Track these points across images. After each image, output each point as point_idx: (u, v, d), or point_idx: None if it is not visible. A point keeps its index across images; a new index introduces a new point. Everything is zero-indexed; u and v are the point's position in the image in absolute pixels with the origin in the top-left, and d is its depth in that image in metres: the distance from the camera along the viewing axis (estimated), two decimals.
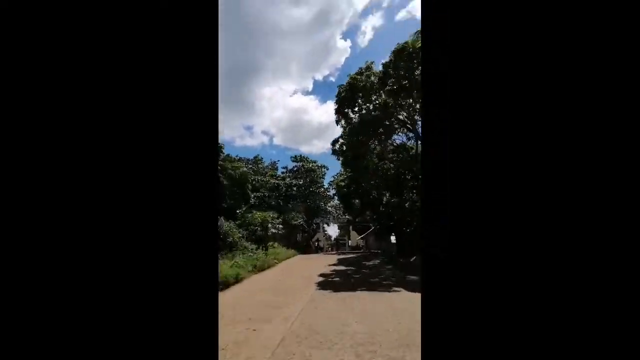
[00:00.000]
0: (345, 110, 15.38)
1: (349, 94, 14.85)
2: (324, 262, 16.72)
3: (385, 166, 16.58)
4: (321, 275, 11.16)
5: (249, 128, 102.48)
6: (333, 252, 31.82)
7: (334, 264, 15.73)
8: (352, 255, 24.06)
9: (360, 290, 7.90)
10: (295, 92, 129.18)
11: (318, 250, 34.11)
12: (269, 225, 18.70)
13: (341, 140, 16.89)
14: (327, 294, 7.45)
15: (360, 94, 14.55)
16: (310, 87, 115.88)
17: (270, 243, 21.62)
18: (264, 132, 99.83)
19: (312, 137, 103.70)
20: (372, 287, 8.38)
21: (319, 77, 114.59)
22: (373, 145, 16.49)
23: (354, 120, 15.43)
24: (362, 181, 18.71)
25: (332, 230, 46.71)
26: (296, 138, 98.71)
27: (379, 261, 17.34)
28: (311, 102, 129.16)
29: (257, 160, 38.43)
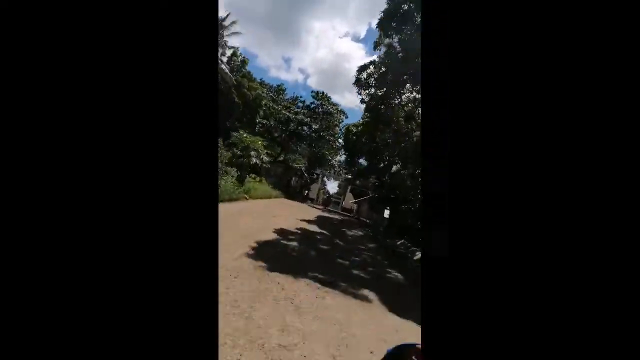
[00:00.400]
0: (393, 25, 11.13)
1: (404, 8, 10.67)
2: (300, 214, 13.96)
3: (410, 126, 12.86)
4: (277, 231, 8.26)
5: (287, 60, 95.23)
6: (319, 207, 29.26)
7: (309, 220, 12.93)
8: (336, 217, 21.34)
9: (311, 276, 4.97)
10: (346, 35, 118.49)
11: (307, 199, 31.71)
12: (252, 152, 15.57)
13: (371, 68, 12.59)
14: (250, 270, 4.52)
15: (417, 17, 10.44)
16: (363, 33, 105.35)
17: (253, 175, 18.92)
18: (301, 70, 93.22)
19: (346, 88, 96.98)
20: (333, 276, 5.44)
21: (375, 25, 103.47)
22: (406, 99, 12.69)
23: (397, 50, 11.40)
24: (377, 136, 15.09)
25: (331, 186, 44.61)
26: (331, 85, 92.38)
27: (362, 234, 14.58)
28: (359, 50, 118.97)
29: (279, 89, 33.95)
